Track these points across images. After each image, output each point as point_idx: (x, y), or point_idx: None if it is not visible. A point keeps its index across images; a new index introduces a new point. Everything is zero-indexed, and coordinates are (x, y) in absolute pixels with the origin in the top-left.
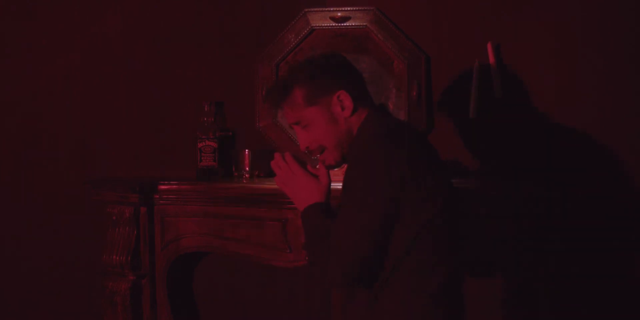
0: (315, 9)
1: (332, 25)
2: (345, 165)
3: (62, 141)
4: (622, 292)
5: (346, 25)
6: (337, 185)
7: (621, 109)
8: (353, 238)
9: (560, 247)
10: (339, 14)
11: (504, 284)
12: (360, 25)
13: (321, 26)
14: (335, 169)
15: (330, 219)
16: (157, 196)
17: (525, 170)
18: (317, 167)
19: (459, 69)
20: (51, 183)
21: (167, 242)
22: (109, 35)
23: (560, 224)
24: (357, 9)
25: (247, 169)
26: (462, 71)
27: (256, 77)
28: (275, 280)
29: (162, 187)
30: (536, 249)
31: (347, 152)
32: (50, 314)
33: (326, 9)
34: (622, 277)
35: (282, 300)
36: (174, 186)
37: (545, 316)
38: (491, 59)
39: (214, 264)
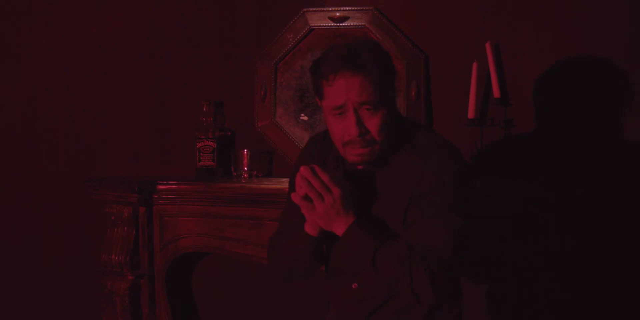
0: (314, 9)
1: (331, 25)
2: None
3: (61, 141)
4: (625, 293)
5: (345, 25)
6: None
7: (620, 108)
8: (449, 244)
9: (560, 247)
10: (338, 14)
11: (503, 284)
12: (359, 25)
13: (320, 26)
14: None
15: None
16: (156, 196)
17: (524, 170)
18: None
19: (458, 69)
20: (51, 183)
21: (166, 242)
22: (109, 35)
23: (560, 224)
24: (355, 9)
25: (245, 168)
26: (461, 71)
27: (256, 76)
28: (275, 281)
29: (161, 187)
30: (536, 249)
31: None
32: (50, 314)
33: (325, 9)
34: (625, 278)
35: (282, 300)
36: (173, 186)
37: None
38: (490, 58)
39: (213, 264)
